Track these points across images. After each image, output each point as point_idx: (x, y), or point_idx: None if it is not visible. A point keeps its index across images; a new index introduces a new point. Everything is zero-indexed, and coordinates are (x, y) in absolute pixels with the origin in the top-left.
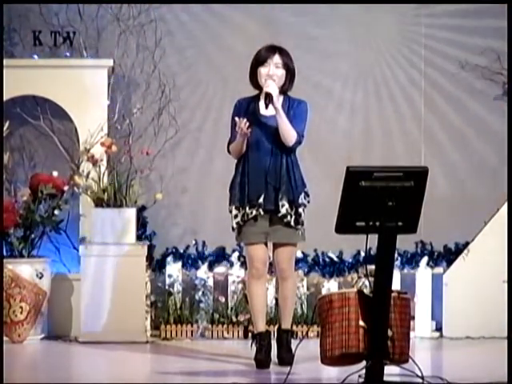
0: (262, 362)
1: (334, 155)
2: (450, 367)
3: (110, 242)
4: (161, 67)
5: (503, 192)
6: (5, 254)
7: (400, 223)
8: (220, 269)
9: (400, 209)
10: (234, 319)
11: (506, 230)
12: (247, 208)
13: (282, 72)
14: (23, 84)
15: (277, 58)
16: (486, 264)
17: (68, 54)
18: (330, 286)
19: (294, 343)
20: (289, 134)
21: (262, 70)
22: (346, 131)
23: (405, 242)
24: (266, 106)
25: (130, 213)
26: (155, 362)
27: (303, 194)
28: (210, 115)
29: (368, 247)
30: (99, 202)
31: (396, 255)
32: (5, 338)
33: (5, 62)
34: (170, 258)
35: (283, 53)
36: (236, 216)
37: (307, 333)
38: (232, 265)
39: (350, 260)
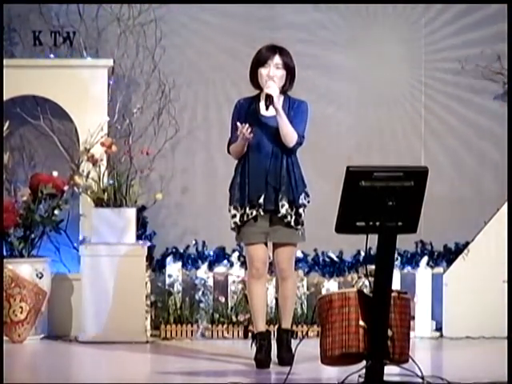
0: (262, 361)
1: (334, 155)
2: (450, 367)
3: (110, 241)
4: (161, 67)
5: (503, 192)
6: (5, 253)
7: (400, 223)
8: (220, 269)
9: (400, 209)
10: (234, 319)
11: (506, 230)
12: (247, 208)
13: (282, 72)
14: (23, 84)
15: (277, 59)
16: (486, 264)
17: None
18: (330, 286)
19: (294, 343)
20: (289, 134)
21: (263, 71)
22: (346, 131)
23: (405, 242)
24: (267, 108)
25: (130, 213)
26: (155, 362)
27: (303, 194)
28: (210, 115)
29: (368, 247)
30: (99, 202)
31: (396, 255)
32: (5, 338)
33: (5, 61)
34: (170, 258)
35: (283, 53)
36: (236, 216)
37: (307, 333)
38: (232, 265)
39: (350, 260)
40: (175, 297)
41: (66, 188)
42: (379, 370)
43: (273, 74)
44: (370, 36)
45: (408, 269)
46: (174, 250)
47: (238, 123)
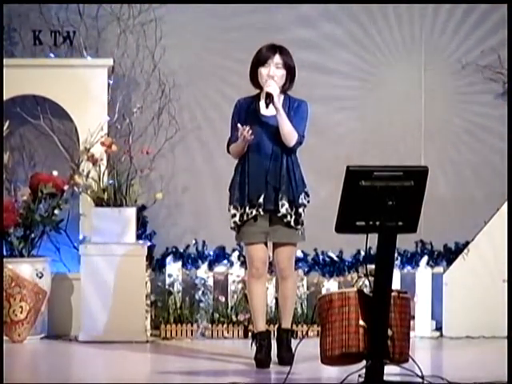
0: (262, 361)
1: (334, 154)
2: (449, 367)
3: (110, 241)
4: (161, 67)
5: (503, 192)
6: (5, 253)
7: (400, 223)
8: (220, 268)
9: (400, 208)
10: (234, 319)
11: (505, 230)
12: (247, 208)
13: (282, 72)
14: (23, 83)
15: (277, 58)
16: (486, 264)
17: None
18: (330, 286)
19: (294, 343)
20: (289, 134)
21: (263, 71)
22: (346, 131)
23: (405, 242)
24: (267, 106)
25: (130, 212)
26: (155, 362)
27: (303, 193)
28: (210, 115)
29: (368, 247)
30: (99, 202)
31: (396, 255)
32: (5, 338)
33: (5, 61)
34: (170, 258)
35: (284, 52)
36: (236, 216)
37: (307, 332)
38: (232, 264)
39: (350, 259)
40: (175, 296)
41: (65, 187)
42: (379, 369)
43: (273, 74)
44: (370, 36)
45: (408, 268)
46: (174, 249)
47: (239, 125)
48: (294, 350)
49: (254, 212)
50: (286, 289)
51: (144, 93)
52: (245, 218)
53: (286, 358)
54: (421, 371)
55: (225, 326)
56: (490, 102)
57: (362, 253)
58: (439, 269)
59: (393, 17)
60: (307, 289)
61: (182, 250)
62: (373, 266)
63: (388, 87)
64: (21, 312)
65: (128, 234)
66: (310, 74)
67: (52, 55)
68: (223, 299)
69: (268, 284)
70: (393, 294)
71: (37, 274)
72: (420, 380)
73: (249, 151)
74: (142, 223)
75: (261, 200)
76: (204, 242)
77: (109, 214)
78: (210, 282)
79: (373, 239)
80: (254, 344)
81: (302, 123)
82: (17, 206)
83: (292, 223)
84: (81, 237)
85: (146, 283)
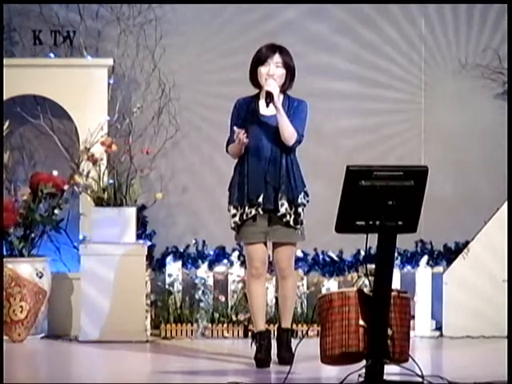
0: (261, 361)
1: (334, 155)
2: (449, 366)
3: (110, 241)
4: (161, 66)
5: (503, 191)
6: (5, 253)
7: (400, 222)
8: (220, 268)
9: (400, 208)
10: (234, 318)
11: (506, 230)
12: (246, 207)
13: (282, 71)
14: (23, 83)
15: (277, 58)
16: (486, 263)
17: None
18: (330, 286)
19: (294, 342)
20: (289, 133)
21: (263, 70)
22: (346, 130)
23: (405, 241)
24: (267, 105)
25: (130, 212)
26: (155, 362)
27: (303, 193)
28: (210, 115)
29: (368, 246)
30: (99, 202)
31: (396, 254)
32: (5, 338)
33: (5, 61)
34: (170, 258)
35: (283, 52)
36: (235, 215)
37: (307, 332)
38: (232, 264)
39: (350, 259)
40: (175, 296)
41: (66, 187)
42: (379, 369)
43: (273, 73)
44: (370, 36)
45: (408, 268)
46: (174, 249)
47: (235, 127)
48: (294, 349)
49: (254, 212)
50: (286, 288)
51: (144, 93)
52: (244, 217)
53: (286, 357)
54: (421, 371)
55: (225, 325)
56: (490, 101)
57: (362, 253)
58: (439, 268)
59: (393, 16)
60: (307, 288)
61: (182, 250)
62: (373, 266)
63: (388, 86)
64: (21, 312)
65: (128, 233)
66: (310, 74)
67: (52, 55)
68: (223, 299)
69: (268, 284)
70: (393, 293)
71: (37, 274)
72: (420, 380)
73: (248, 151)
74: (141, 223)
75: (260, 199)
76: (204, 241)
77: (109, 213)
78: (210, 282)
79: (373, 239)
80: (253, 344)
81: (301, 123)
82: (17, 205)
83: (291, 223)
84: (81, 237)
85: (146, 283)
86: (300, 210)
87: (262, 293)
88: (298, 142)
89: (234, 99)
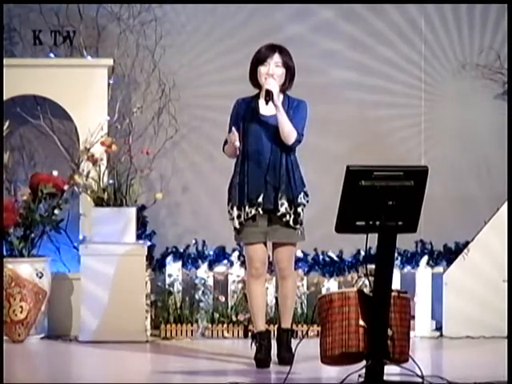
0: (261, 361)
1: (334, 155)
2: (449, 367)
3: (110, 241)
4: (161, 66)
5: (503, 191)
6: (5, 253)
7: (400, 222)
8: (220, 268)
9: (400, 208)
10: (234, 318)
11: (506, 230)
12: (246, 207)
13: (281, 71)
14: (23, 83)
15: (277, 57)
16: (486, 263)
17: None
18: (330, 286)
19: (294, 342)
20: (289, 132)
21: (262, 69)
22: (346, 130)
23: (405, 242)
24: (267, 103)
25: (130, 212)
26: (155, 362)
27: (302, 193)
28: (210, 115)
29: (368, 246)
30: (99, 202)
31: (396, 254)
32: (5, 338)
33: (5, 61)
34: (170, 258)
35: (283, 52)
36: (236, 216)
37: (307, 332)
38: (232, 264)
39: (350, 259)
40: (175, 296)
41: (65, 187)
42: (379, 369)
43: (272, 72)
44: (370, 36)
45: (408, 268)
46: (174, 249)
47: (233, 128)
48: (294, 349)
49: (253, 211)
50: (286, 288)
51: (144, 93)
52: (244, 217)
53: (286, 357)
54: (421, 371)
55: (225, 325)
56: (490, 101)
57: (362, 253)
58: (439, 269)
59: (393, 16)
60: (307, 289)
61: (182, 250)
62: (373, 266)
63: (388, 86)
64: (21, 312)
65: (128, 233)
66: (310, 74)
67: (52, 55)
68: (223, 299)
69: (268, 284)
70: (393, 293)
71: (37, 274)
72: (420, 380)
73: (248, 151)
74: (141, 223)
75: (260, 199)
76: (204, 241)
77: (109, 213)
78: (210, 282)
79: (373, 239)
80: (253, 344)
81: (301, 122)
82: (17, 205)
83: (291, 223)
84: (81, 237)
85: (146, 283)
86: (300, 209)
87: (262, 293)
88: (298, 141)
89: (233, 99)
